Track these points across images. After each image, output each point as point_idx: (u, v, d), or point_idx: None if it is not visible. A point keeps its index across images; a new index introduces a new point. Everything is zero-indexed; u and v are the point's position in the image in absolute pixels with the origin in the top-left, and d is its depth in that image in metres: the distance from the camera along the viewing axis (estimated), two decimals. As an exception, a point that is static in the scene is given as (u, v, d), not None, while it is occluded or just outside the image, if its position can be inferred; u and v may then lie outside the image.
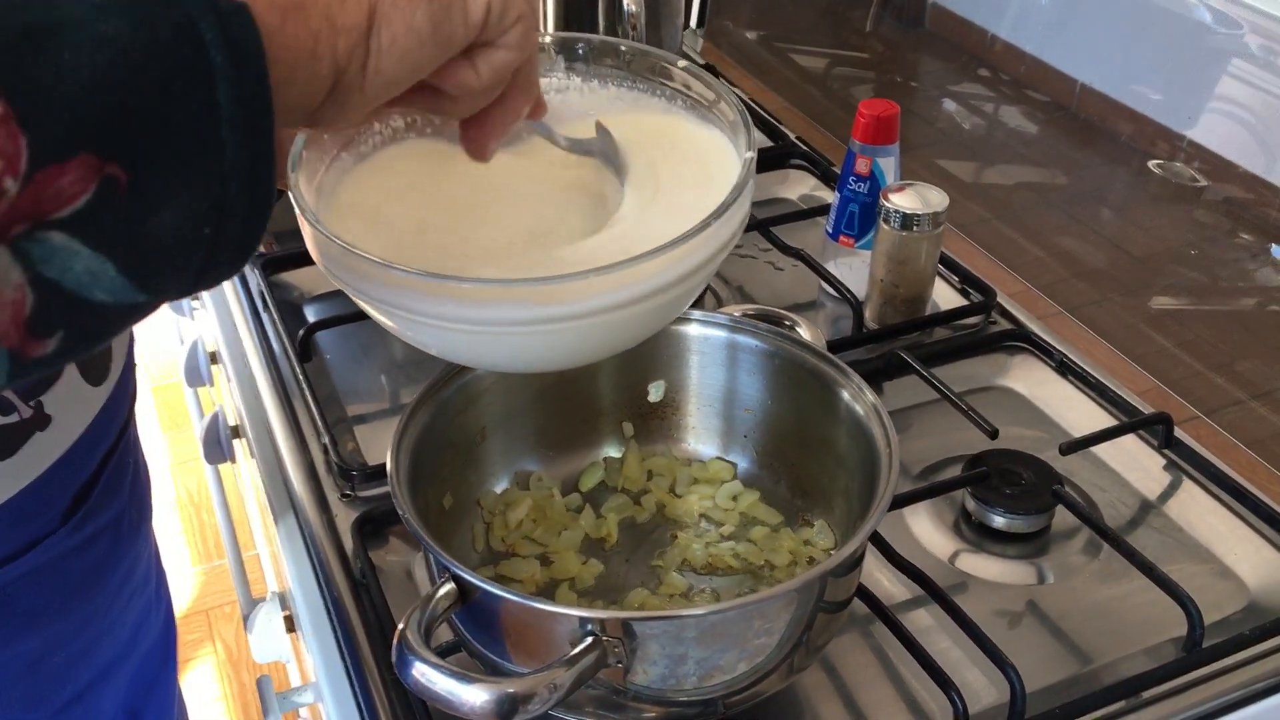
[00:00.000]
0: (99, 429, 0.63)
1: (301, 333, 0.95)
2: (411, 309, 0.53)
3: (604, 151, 0.61)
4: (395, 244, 0.56)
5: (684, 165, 0.61)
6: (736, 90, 1.18)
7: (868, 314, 1.01)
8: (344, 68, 0.42)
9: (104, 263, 0.36)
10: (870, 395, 0.68)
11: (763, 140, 1.30)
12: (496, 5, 0.45)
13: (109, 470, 0.65)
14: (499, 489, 0.76)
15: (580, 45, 0.64)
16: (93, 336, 0.39)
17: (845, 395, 0.70)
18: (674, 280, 0.53)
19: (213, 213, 0.38)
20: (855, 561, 0.64)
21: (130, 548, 0.69)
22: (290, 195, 0.54)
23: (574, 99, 0.65)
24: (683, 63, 0.63)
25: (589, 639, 0.55)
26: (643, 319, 0.56)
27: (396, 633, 0.55)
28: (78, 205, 0.35)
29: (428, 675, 0.53)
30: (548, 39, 0.64)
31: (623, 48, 0.64)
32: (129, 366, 0.69)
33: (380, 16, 0.42)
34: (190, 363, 1.29)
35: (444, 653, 0.68)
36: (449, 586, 0.58)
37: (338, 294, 1.05)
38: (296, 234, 0.56)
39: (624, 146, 0.61)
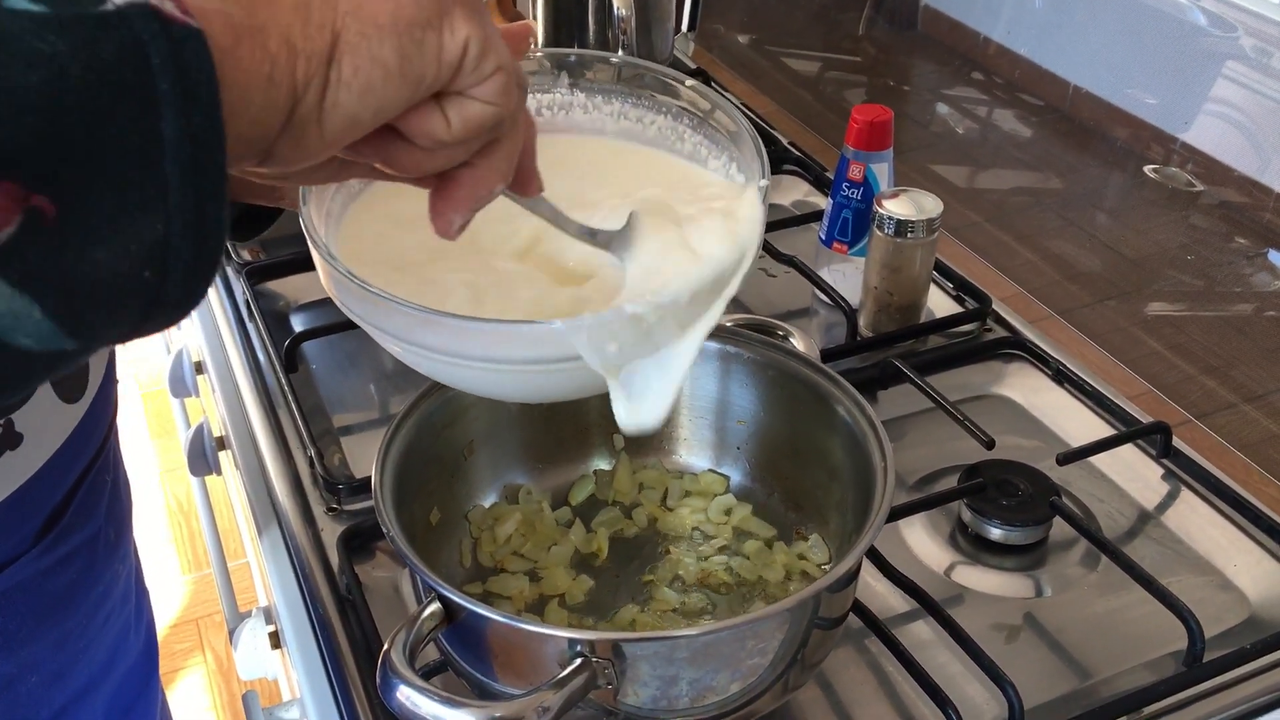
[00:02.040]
0: (74, 447, 0.62)
1: (287, 342, 0.94)
2: (423, 344, 0.51)
3: (621, 244, 0.56)
4: (406, 274, 0.55)
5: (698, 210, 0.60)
6: (729, 96, 1.16)
7: (862, 322, 1.00)
8: (301, 96, 0.39)
9: (29, 304, 0.33)
10: (865, 408, 0.67)
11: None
12: (474, 48, 0.42)
13: (84, 489, 0.64)
14: (487, 504, 0.74)
15: (571, 57, 0.63)
16: (9, 387, 0.35)
17: (839, 408, 0.68)
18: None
19: (155, 254, 0.35)
20: (850, 577, 0.63)
21: (107, 567, 0.68)
22: (300, 224, 0.53)
23: (578, 117, 0.64)
24: (690, 81, 0.62)
25: (578, 660, 0.54)
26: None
27: (380, 655, 0.54)
28: None
29: (412, 699, 0.52)
30: (539, 54, 0.63)
31: (632, 68, 0.63)
32: (109, 381, 0.68)
33: (344, 44, 0.39)
34: (175, 373, 1.28)
35: (430, 672, 0.66)
36: (435, 606, 0.57)
37: (324, 303, 1.05)
38: (282, 242, 0.55)
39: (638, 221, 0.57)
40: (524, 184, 0.50)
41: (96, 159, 0.33)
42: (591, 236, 0.55)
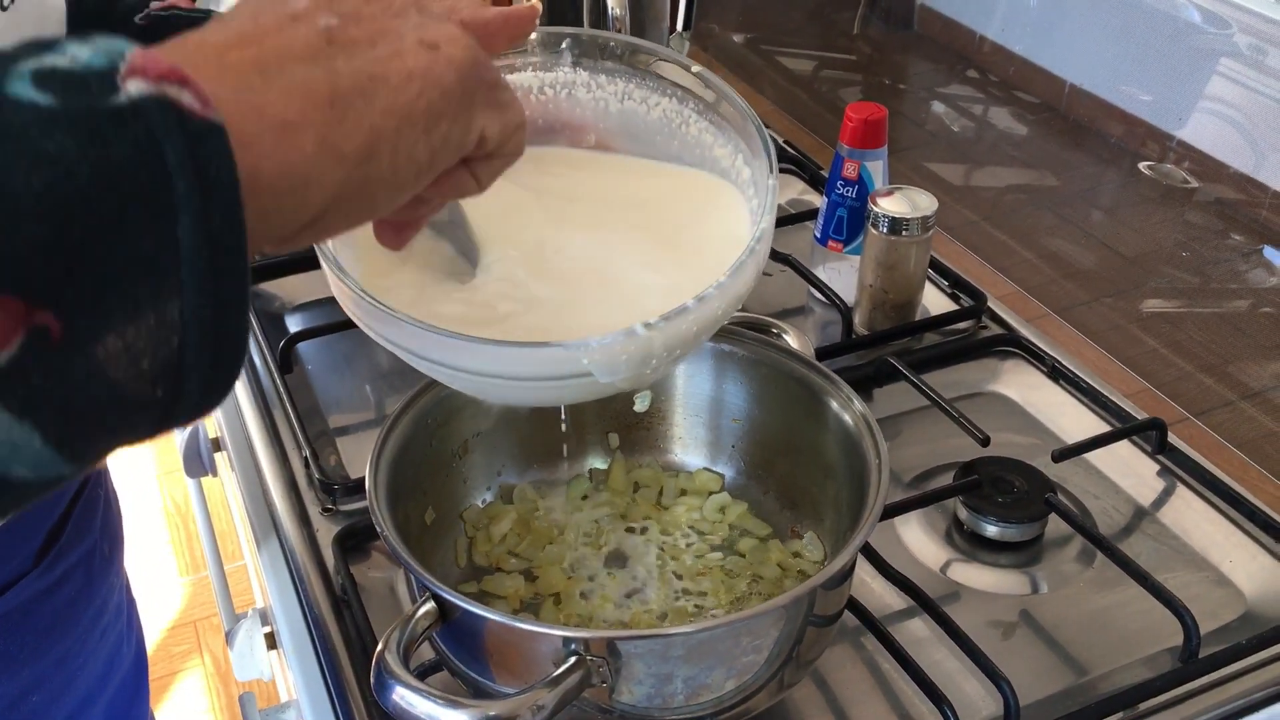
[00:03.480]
0: None
1: (282, 343, 0.94)
2: (435, 360, 0.52)
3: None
4: (422, 288, 0.55)
5: (697, 218, 0.60)
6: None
7: (857, 320, 0.99)
8: (336, 195, 0.37)
9: (29, 432, 0.29)
10: (859, 405, 0.67)
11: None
12: (496, 131, 0.42)
13: (80, 505, 0.64)
14: (482, 503, 0.74)
15: (568, 39, 0.62)
16: None
17: (834, 405, 0.68)
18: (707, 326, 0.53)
19: (169, 370, 0.32)
20: (845, 574, 0.63)
21: (103, 582, 0.68)
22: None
23: (581, 95, 0.63)
24: (696, 67, 0.61)
25: (573, 659, 0.54)
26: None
27: (375, 654, 0.53)
28: None
29: (407, 699, 0.52)
30: (533, 36, 0.62)
31: (640, 53, 0.62)
32: None
33: (383, 142, 0.37)
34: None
35: (425, 672, 0.66)
36: (429, 605, 0.57)
37: (319, 304, 1.05)
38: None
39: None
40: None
41: (106, 271, 0.30)
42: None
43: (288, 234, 0.37)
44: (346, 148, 0.36)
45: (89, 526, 0.65)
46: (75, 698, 0.66)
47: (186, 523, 2.17)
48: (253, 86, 0.35)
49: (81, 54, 0.30)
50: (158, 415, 0.33)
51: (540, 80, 0.62)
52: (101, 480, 0.68)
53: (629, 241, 0.59)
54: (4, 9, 0.49)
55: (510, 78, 0.61)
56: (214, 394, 0.34)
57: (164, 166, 0.30)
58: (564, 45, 0.61)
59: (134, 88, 0.30)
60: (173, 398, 0.32)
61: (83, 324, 0.29)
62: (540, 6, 0.55)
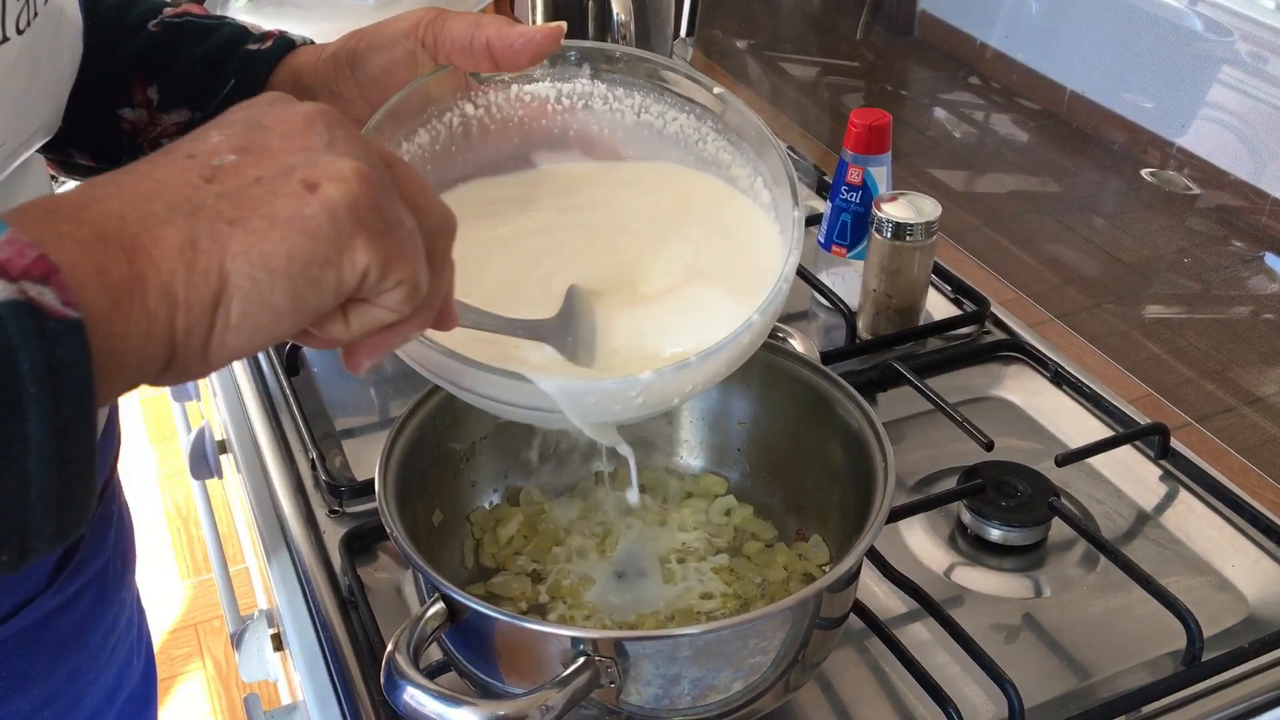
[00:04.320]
0: None
1: (288, 346, 0.94)
2: (462, 388, 0.54)
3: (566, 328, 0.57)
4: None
5: (722, 243, 0.61)
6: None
7: (861, 324, 1.00)
8: (181, 344, 0.36)
9: None
10: (865, 408, 0.67)
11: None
12: (374, 273, 0.38)
13: (94, 521, 0.64)
14: (489, 505, 0.75)
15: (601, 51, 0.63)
16: None
17: (840, 409, 0.69)
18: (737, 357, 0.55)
19: (13, 537, 0.33)
20: (851, 577, 0.63)
21: (115, 597, 0.68)
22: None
23: (598, 107, 0.63)
24: (718, 89, 0.61)
25: (581, 659, 0.54)
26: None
27: (385, 654, 0.54)
28: None
29: (417, 698, 0.52)
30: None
31: (662, 72, 0.62)
32: (114, 410, 0.68)
33: (233, 287, 0.36)
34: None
35: (434, 672, 0.67)
36: (438, 606, 0.57)
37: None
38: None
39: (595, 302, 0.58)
40: (441, 321, 0.46)
41: None
42: (532, 330, 0.55)
43: (142, 382, 0.37)
44: (193, 297, 0.35)
45: (102, 544, 0.65)
46: (86, 712, 0.67)
47: (188, 526, 2.18)
48: (106, 239, 0.34)
49: None
50: (3, 568, 0.34)
51: (558, 91, 0.62)
52: (115, 497, 0.68)
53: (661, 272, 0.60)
54: (20, 32, 0.49)
55: (527, 88, 0.61)
56: (62, 542, 0.35)
57: (17, 372, 0.31)
58: (573, 56, 0.62)
59: None
60: (19, 556, 0.34)
61: None
62: (565, 26, 0.54)
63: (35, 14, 0.50)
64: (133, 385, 0.37)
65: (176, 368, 0.37)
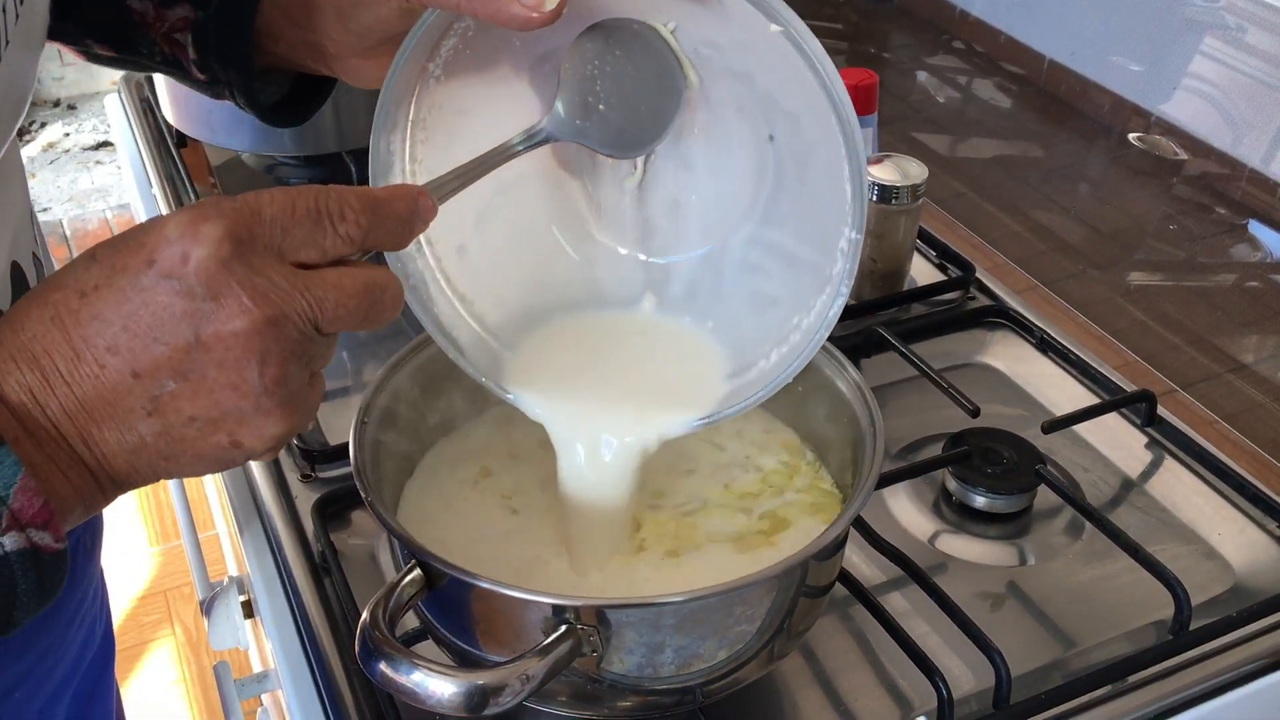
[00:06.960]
0: None
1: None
2: None
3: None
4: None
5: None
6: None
7: (844, 289, 0.98)
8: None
9: None
10: (853, 373, 0.66)
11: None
12: (281, 436, 0.45)
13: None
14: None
15: None
16: None
17: (826, 371, 0.67)
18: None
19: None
20: (839, 544, 0.62)
21: (85, 574, 0.67)
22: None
23: None
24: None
25: (563, 627, 0.52)
26: None
27: (360, 623, 0.52)
28: None
29: (393, 668, 0.50)
30: None
31: None
32: None
33: (164, 478, 0.44)
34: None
35: (409, 641, 0.65)
36: (415, 573, 0.55)
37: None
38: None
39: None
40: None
41: None
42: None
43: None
44: (134, 485, 0.44)
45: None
46: (54, 683, 0.66)
47: (156, 491, 2.14)
48: (82, 462, 0.42)
49: None
50: None
51: None
52: None
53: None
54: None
55: None
56: (44, 608, 0.42)
57: (14, 593, 0.40)
58: None
59: (9, 542, 0.39)
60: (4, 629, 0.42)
61: None
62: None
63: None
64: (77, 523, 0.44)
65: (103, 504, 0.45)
